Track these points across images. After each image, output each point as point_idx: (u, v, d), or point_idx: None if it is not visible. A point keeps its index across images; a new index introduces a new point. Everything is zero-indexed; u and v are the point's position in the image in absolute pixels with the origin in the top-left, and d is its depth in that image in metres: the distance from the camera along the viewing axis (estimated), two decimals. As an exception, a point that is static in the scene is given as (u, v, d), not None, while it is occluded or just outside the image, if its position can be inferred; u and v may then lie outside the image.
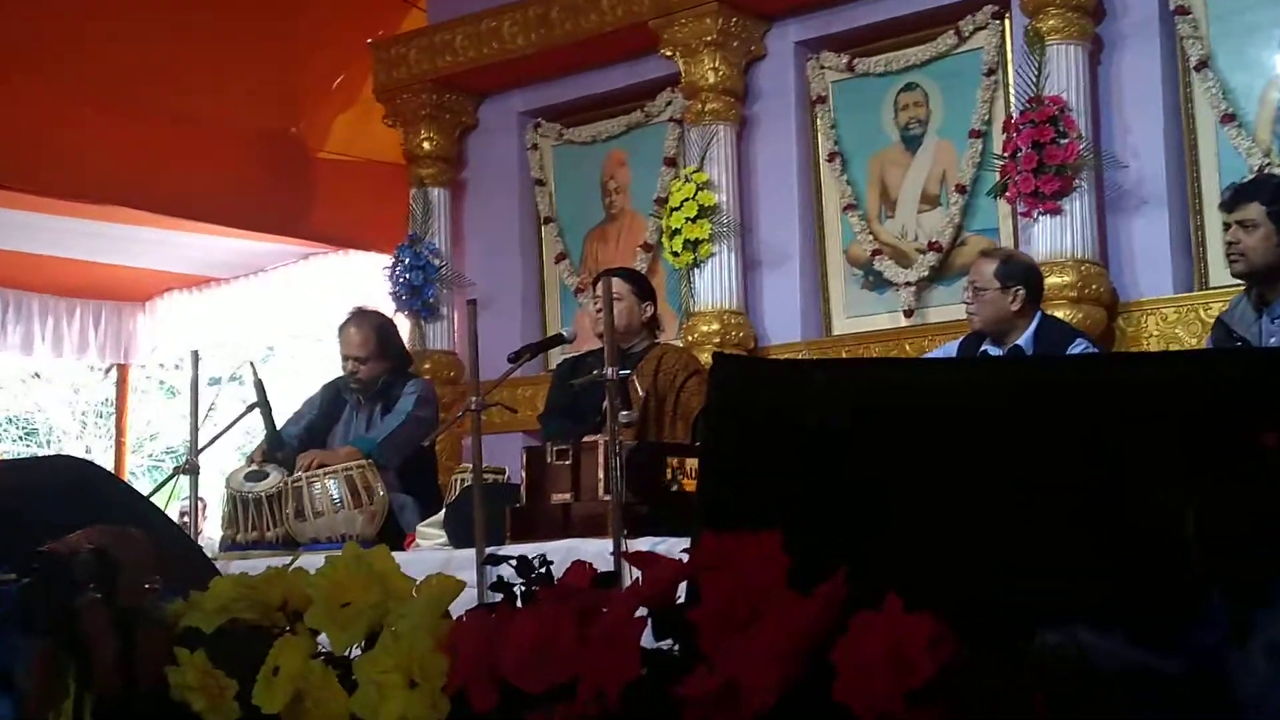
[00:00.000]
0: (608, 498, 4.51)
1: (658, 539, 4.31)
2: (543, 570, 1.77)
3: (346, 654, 1.94)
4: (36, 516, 2.20)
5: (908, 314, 6.91)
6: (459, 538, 5.06)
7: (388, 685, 1.81)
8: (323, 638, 1.97)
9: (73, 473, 2.49)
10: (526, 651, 1.65)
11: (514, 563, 1.79)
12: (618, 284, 5.67)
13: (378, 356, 6.24)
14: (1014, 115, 6.29)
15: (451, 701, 1.78)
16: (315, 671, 1.92)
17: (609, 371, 4.52)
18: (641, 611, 1.63)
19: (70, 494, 2.35)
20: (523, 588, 1.78)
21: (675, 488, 4.75)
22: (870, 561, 1.56)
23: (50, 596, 1.99)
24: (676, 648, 1.62)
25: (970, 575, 1.56)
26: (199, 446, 5.61)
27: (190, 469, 5.60)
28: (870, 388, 1.80)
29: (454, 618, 1.83)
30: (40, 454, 10.11)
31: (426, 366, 7.96)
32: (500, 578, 1.80)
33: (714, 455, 1.86)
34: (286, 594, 2.00)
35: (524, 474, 5.02)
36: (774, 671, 1.46)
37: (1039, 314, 5.39)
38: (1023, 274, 5.37)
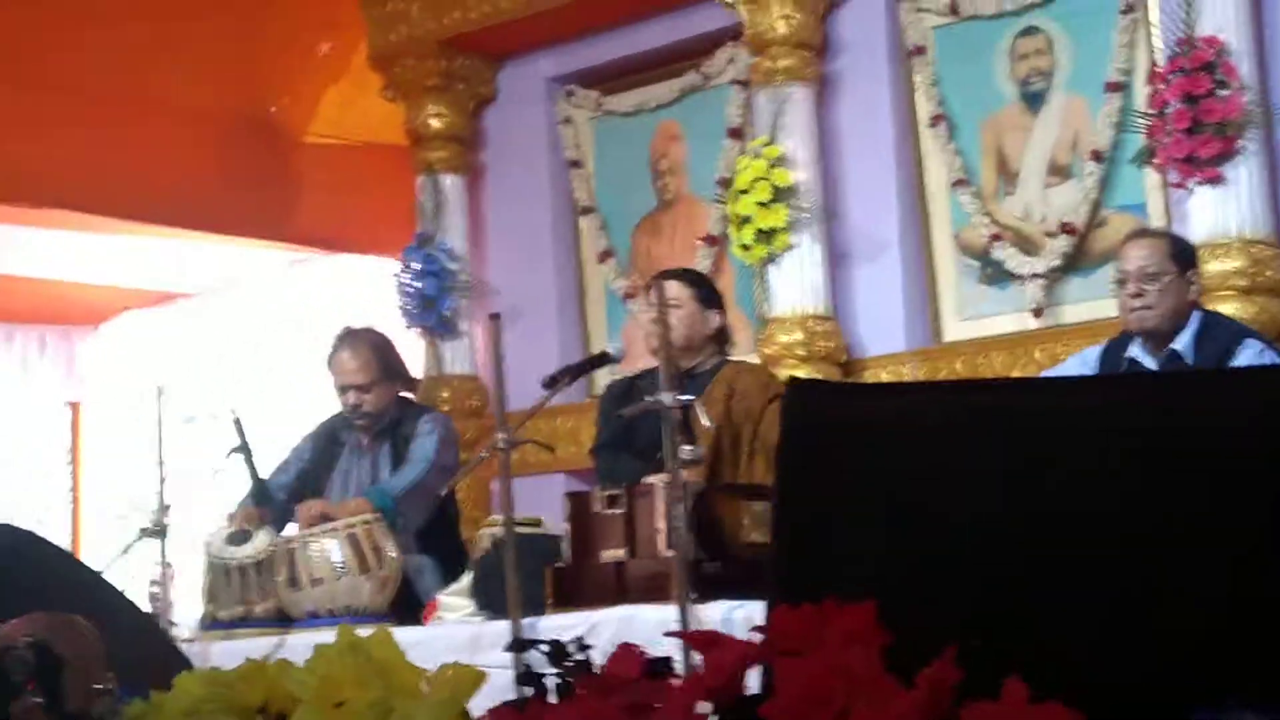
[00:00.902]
0: (671, 554, 4.50)
1: (734, 603, 4.30)
2: (581, 656, 1.76)
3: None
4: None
5: (1036, 313, 6.86)
6: (489, 606, 5.07)
7: (394, 803, 1.81)
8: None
9: (11, 546, 2.50)
10: (563, 759, 1.65)
11: (545, 648, 1.79)
12: (675, 288, 5.66)
13: (382, 381, 6.27)
14: (1160, 62, 6.25)
15: (473, 822, 1.78)
16: (306, 787, 1.92)
17: (666, 397, 4.51)
18: (704, 706, 1.63)
19: (8, 573, 2.36)
20: (557, 679, 1.77)
21: (753, 539, 4.74)
22: (983, 636, 1.55)
23: (-19, 702, 2.00)
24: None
25: (1103, 649, 1.54)
26: (169, 502, 5.66)
27: (159, 530, 5.64)
28: (985, 416, 1.79)
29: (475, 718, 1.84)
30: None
31: (444, 395, 7.98)
32: (528, 667, 1.80)
33: (789, 507, 1.85)
34: (268, 692, 2.00)
35: (567, 526, 5.02)
36: (869, 780, 1.45)
37: (1200, 310, 5.35)
38: (1195, 256, 5.39)
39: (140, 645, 2.35)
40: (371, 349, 6.31)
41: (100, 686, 2.03)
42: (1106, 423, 1.70)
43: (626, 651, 1.77)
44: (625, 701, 1.66)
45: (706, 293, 5.98)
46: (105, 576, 2.86)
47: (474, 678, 1.87)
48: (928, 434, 1.80)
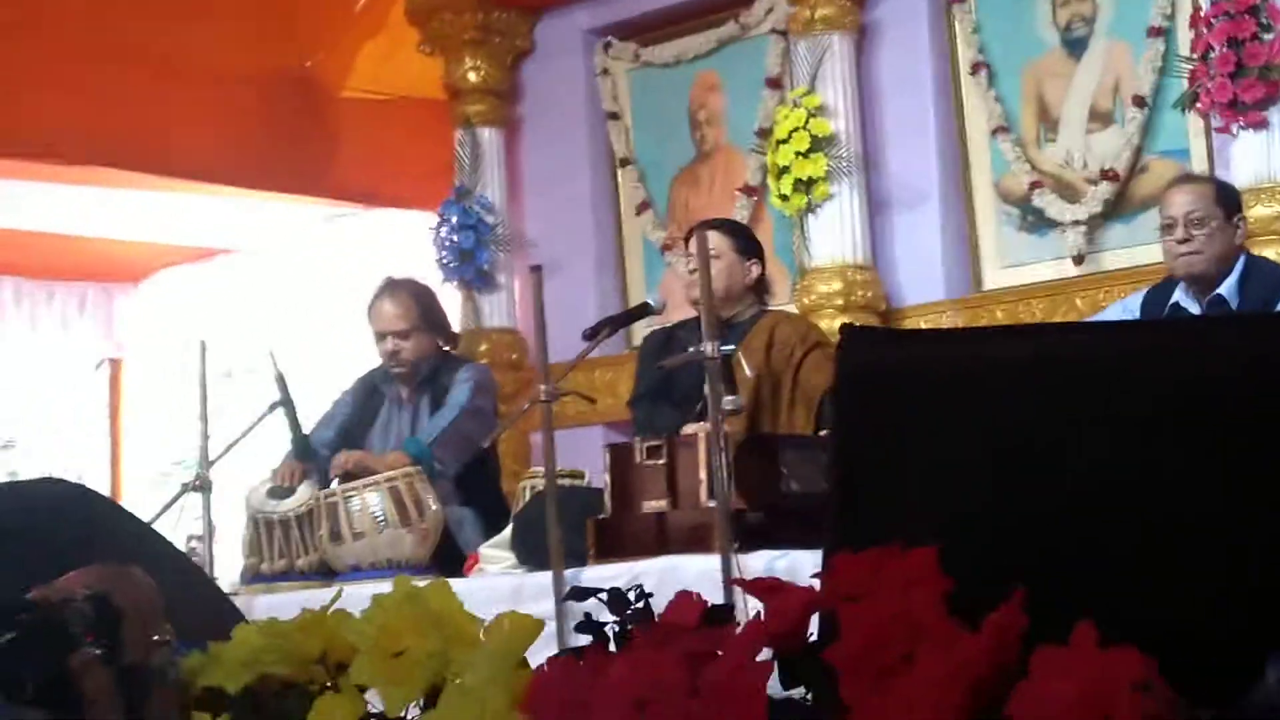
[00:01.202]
0: (712, 504, 4.49)
1: (776, 552, 4.29)
2: (640, 604, 1.76)
3: (403, 714, 1.95)
4: (18, 557, 2.22)
5: (1077, 261, 6.84)
6: (530, 558, 5.07)
7: (454, 752, 1.81)
8: (373, 695, 1.97)
9: (60, 500, 2.51)
10: (625, 707, 1.64)
11: (603, 596, 1.78)
12: (715, 238, 5.65)
13: (422, 330, 6.27)
14: (1203, 6, 6.20)
15: (533, 770, 1.77)
16: (365, 737, 1.93)
17: (708, 347, 4.50)
18: (765, 653, 1.62)
19: (58, 527, 2.36)
20: (616, 627, 1.77)
21: (794, 489, 4.73)
22: (1049, 582, 1.54)
23: (40, 655, 2.00)
24: (810, 697, 1.61)
25: (1174, 597, 1.53)
26: (211, 457, 5.68)
27: (201, 485, 5.66)
28: (1035, 362, 1.77)
29: (532, 666, 1.83)
30: (18, 475, 10.23)
31: (483, 349, 7.99)
32: (587, 615, 1.79)
33: (846, 452, 1.84)
34: (326, 643, 2.00)
35: (608, 477, 5.02)
36: (935, 725, 1.44)
37: (1243, 254, 5.33)
38: (1240, 201, 5.36)
39: (192, 597, 2.36)
40: (412, 297, 6.31)
41: (159, 638, 2.04)
42: (1158, 369, 1.69)
43: (684, 599, 1.76)
44: (686, 649, 1.65)
45: (745, 243, 5.98)
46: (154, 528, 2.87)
47: (531, 626, 1.87)
48: (978, 380, 1.79)
